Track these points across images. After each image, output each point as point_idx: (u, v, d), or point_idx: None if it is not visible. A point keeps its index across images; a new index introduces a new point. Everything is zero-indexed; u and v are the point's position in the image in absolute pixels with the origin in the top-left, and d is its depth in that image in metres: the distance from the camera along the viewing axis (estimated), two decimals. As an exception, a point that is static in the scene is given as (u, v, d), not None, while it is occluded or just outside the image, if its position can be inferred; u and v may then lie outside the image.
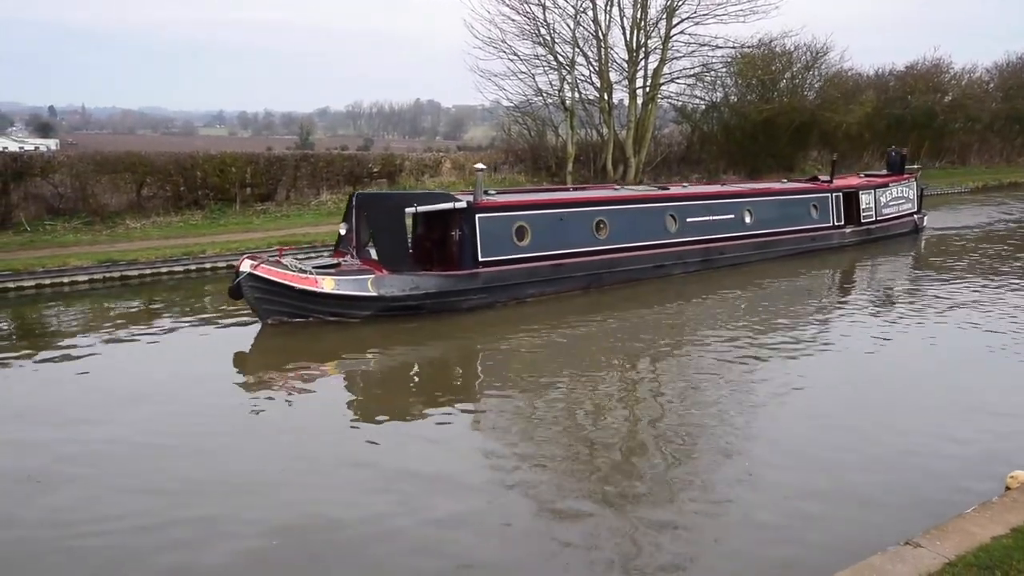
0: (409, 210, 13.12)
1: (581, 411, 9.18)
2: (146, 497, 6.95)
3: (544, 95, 30.31)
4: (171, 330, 12.45)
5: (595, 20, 28.98)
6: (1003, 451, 7.89)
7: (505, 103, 31.78)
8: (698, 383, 10.17)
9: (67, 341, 11.76)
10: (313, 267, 12.62)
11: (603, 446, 8.12)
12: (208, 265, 16.70)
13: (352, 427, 8.82)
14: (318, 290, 12.08)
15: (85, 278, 15.37)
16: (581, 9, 28.77)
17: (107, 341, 11.78)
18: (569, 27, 29.04)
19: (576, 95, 30.02)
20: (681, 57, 30.52)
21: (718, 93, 35.39)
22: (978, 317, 13.23)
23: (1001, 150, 46.77)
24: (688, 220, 16.85)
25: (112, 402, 9.37)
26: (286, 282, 11.95)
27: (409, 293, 12.70)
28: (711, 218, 17.39)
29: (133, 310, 13.98)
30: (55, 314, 13.78)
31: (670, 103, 34.33)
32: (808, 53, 35.99)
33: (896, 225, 22.25)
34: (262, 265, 11.91)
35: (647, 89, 30.54)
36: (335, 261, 13.30)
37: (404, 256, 13.07)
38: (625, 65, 30.13)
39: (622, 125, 31.14)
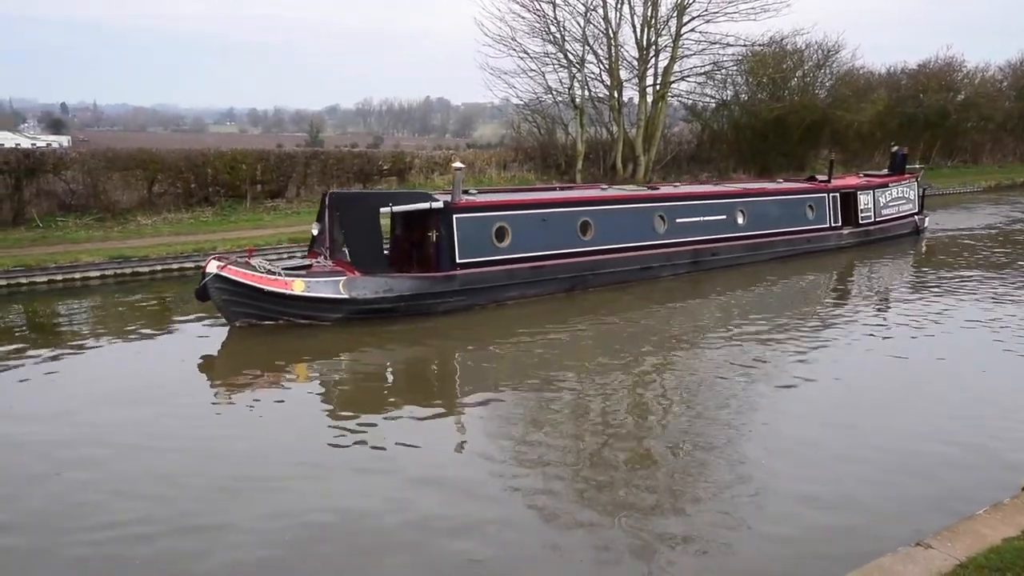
0: (384, 210, 12.90)
1: (559, 417, 8.89)
2: (125, 499, 6.91)
3: (554, 93, 30.31)
4: (177, 329, 12.48)
5: (605, 18, 28.95)
6: (1011, 450, 7.87)
7: (515, 101, 31.87)
8: (682, 388, 9.93)
9: (73, 338, 11.86)
10: (284, 268, 12.32)
11: (588, 451, 7.94)
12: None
13: (318, 433, 8.43)
14: (287, 292, 11.79)
15: (97, 274, 15.47)
16: (591, 7, 28.78)
17: (109, 337, 11.86)
18: (579, 25, 29.04)
19: (586, 93, 30.00)
20: (692, 55, 30.48)
21: (728, 91, 35.27)
22: (980, 320, 12.95)
23: (1014, 149, 46.46)
24: (677, 221, 16.44)
25: (95, 400, 9.32)
26: (254, 284, 11.67)
27: (382, 295, 12.40)
28: (702, 219, 16.95)
29: (143, 305, 14.03)
30: (65, 310, 13.86)
31: (680, 101, 34.30)
32: (819, 51, 35.82)
33: (896, 226, 21.75)
34: (229, 266, 11.66)
35: (657, 87, 30.48)
36: (308, 262, 13.01)
37: (378, 257, 12.79)
38: (635, 63, 30.09)
39: (632, 123, 31.10)
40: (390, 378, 10.74)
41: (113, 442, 8.08)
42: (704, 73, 31.80)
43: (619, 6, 28.99)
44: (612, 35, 29.19)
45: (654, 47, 29.75)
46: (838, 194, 20.00)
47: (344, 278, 12.22)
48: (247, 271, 11.71)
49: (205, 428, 8.60)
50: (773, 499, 6.95)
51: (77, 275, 15.30)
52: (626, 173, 30.12)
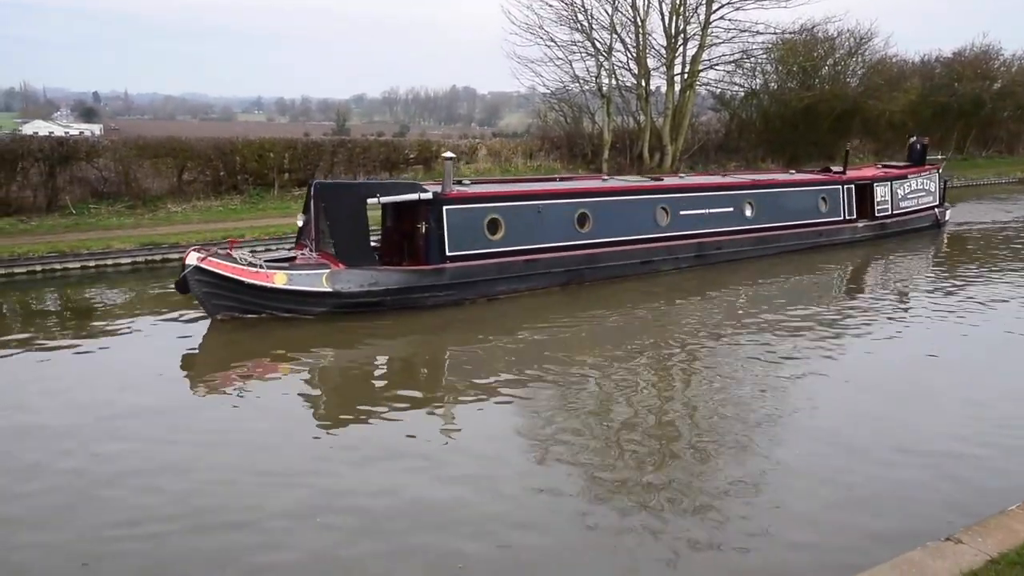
0: (372, 201, 12.50)
1: (547, 417, 8.62)
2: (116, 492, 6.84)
3: (581, 81, 30.14)
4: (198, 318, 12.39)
5: (633, 6, 28.71)
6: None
7: (542, 90, 31.73)
8: (681, 387, 9.69)
9: (101, 323, 12.03)
10: (268, 260, 12.02)
11: (591, 447, 7.80)
12: (247, 249, 16.91)
13: (302, 433, 8.22)
14: (269, 285, 11.49)
15: (128, 260, 15.71)
16: (619, -6, 28.48)
17: (133, 324, 11.98)
18: (607, 13, 28.83)
19: (613, 82, 29.81)
20: (720, 43, 30.12)
21: (757, 80, 34.86)
22: (1002, 317, 12.64)
23: (1051, 139, 45.49)
24: (681, 213, 15.92)
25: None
26: (235, 276, 11.36)
27: (367, 289, 12.07)
28: (707, 211, 16.41)
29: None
30: (96, 295, 14.09)
31: (708, 90, 33.98)
32: (852, 39, 35.29)
33: (915, 219, 21.01)
34: (209, 258, 11.33)
35: (685, 76, 30.18)
36: (292, 254, 12.74)
37: (363, 250, 12.42)
38: (663, 51, 29.83)
39: (659, 112, 30.85)
40: (373, 374, 10.46)
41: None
42: (733, 61, 31.48)
43: (647, -7, 28.70)
44: (640, 23, 28.96)
45: (682, 35, 29.46)
46: (853, 186, 19.36)
47: (328, 271, 11.91)
48: (228, 263, 11.41)
49: (184, 422, 8.41)
50: (795, 496, 6.89)
51: (109, 261, 15.55)
52: (653, 162, 29.91)
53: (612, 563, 5.89)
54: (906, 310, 13.40)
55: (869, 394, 9.28)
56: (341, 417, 8.71)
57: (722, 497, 6.80)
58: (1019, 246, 19.48)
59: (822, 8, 74.13)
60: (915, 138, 23.12)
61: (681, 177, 18.35)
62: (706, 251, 16.34)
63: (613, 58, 29.43)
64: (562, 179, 17.27)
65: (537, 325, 12.05)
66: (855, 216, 19.32)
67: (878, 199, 19.96)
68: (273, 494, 6.81)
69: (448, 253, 12.82)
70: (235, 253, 11.78)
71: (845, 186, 19.15)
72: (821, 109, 33.67)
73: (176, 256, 16.09)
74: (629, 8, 28.76)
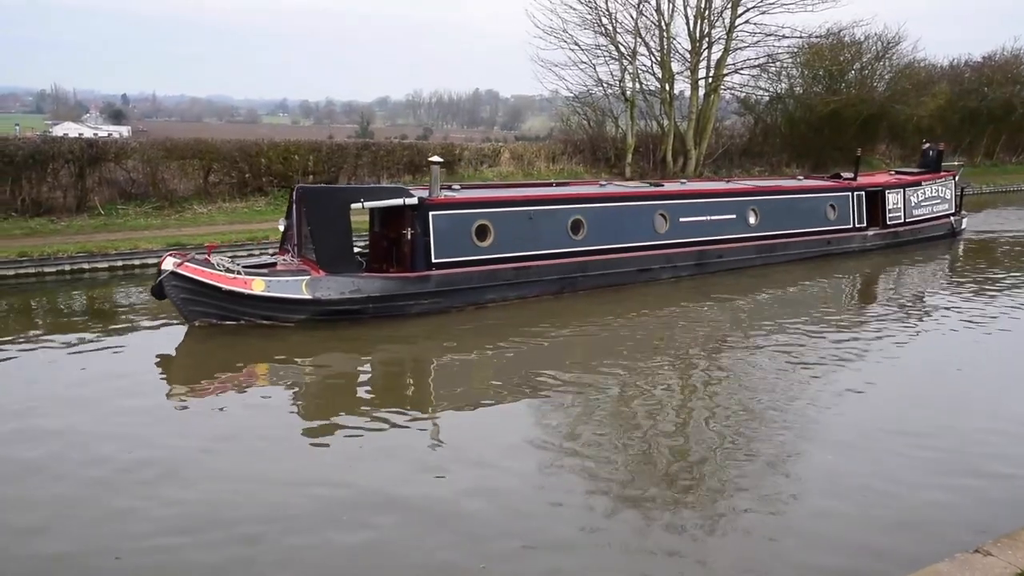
0: (355, 205, 12.25)
1: (537, 431, 8.31)
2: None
3: (605, 85, 30.09)
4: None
5: (658, 9, 28.61)
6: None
7: (565, 93, 31.73)
8: (681, 398, 9.38)
9: (125, 323, 12.17)
10: (248, 266, 11.80)
11: (580, 463, 7.49)
12: (271, 251, 17.06)
13: (279, 442, 7.99)
14: (247, 291, 11.22)
15: (155, 261, 15.81)
16: (644, -2, 28.43)
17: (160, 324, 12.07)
18: (631, 16, 28.74)
19: (637, 85, 29.70)
20: (746, 47, 29.91)
21: (783, 84, 34.62)
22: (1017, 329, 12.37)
23: (1083, 145, 44.69)
24: (681, 220, 15.47)
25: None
26: (212, 282, 11.11)
27: (348, 296, 11.75)
28: (708, 218, 15.92)
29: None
30: (123, 295, 14.28)
31: (733, 94, 33.72)
32: (879, 43, 34.96)
33: (929, 228, 20.35)
34: (186, 263, 11.12)
35: (709, 80, 30.03)
36: (273, 260, 12.51)
37: (345, 256, 12.07)
38: (687, 55, 29.68)
39: (683, 116, 30.72)
40: (355, 383, 10.15)
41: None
42: (758, 66, 31.22)
43: (672, -3, 28.63)
44: (664, 27, 28.86)
45: (707, 39, 29.32)
46: (863, 193, 18.75)
47: (307, 278, 11.63)
48: (205, 269, 11.18)
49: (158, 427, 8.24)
50: (816, 513, 6.81)
51: (136, 261, 15.75)
52: (676, 167, 29.79)
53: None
54: (919, 320, 13.05)
55: (889, 406, 9.07)
56: (324, 427, 8.40)
57: (739, 514, 6.73)
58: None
59: (849, 12, 73.59)
60: (929, 144, 22.52)
61: (682, 183, 17.89)
62: (707, 259, 15.93)
63: (637, 62, 29.36)
64: (558, 184, 16.97)
65: (526, 334, 11.66)
66: (865, 224, 18.77)
67: (890, 207, 19.36)
68: (262, 503, 6.63)
69: (434, 260, 12.49)
70: (213, 259, 11.51)
71: (855, 193, 18.61)
72: (847, 114, 33.35)
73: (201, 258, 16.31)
74: (654, 12, 28.70)
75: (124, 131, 61.90)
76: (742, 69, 31.01)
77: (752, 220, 16.65)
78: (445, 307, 12.62)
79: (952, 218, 21.15)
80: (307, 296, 11.53)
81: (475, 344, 11.31)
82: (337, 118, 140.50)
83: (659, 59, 29.39)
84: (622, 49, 28.95)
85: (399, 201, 12.46)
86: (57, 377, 9.70)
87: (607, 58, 29.39)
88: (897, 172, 22.25)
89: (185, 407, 8.95)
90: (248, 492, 6.83)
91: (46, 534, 6.19)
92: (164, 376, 10.00)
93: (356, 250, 13.02)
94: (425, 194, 12.74)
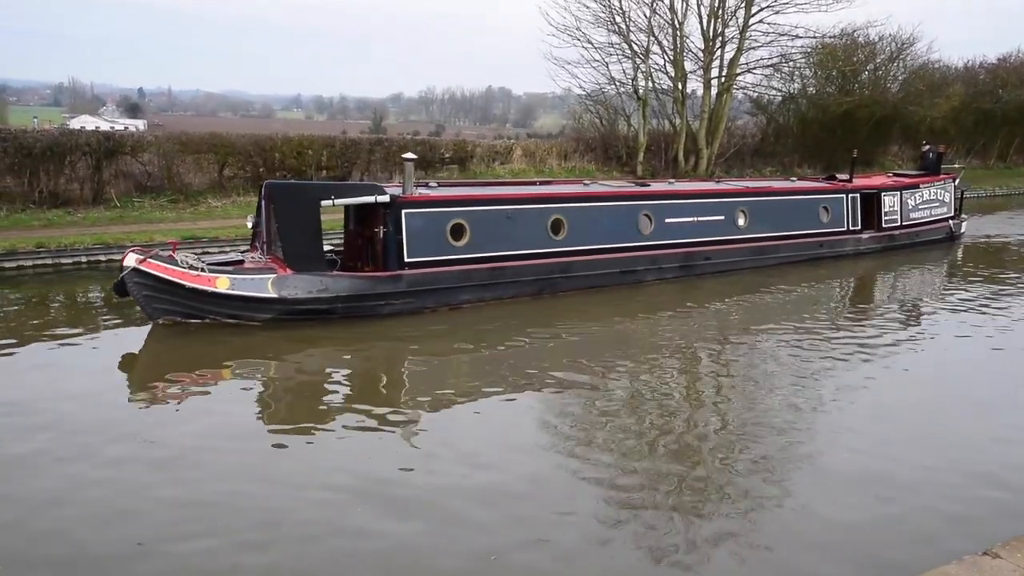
0: (326, 203, 11.81)
1: (512, 431, 8.05)
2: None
3: (617, 84, 30.10)
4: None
5: (671, 8, 28.55)
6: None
7: (577, 91, 31.75)
8: (656, 400, 9.00)
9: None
10: (214, 263, 11.49)
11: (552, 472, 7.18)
12: (192, 251, 16.88)
13: (244, 446, 7.67)
14: (210, 289, 10.92)
15: (216, 250, 15.90)
16: (658, -3, 28.38)
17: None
18: (645, 15, 28.70)
19: (650, 84, 29.65)
20: (759, 47, 29.85)
21: (795, 84, 34.43)
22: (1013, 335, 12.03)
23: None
24: (667, 221, 15.01)
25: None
26: (175, 279, 10.81)
27: (316, 295, 11.38)
28: (695, 219, 15.46)
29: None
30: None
31: (745, 94, 33.62)
32: (893, 44, 34.73)
33: (926, 231, 19.86)
34: (149, 260, 10.81)
35: (722, 79, 29.96)
36: (241, 257, 12.24)
37: (313, 254, 11.67)
38: (700, 54, 29.60)
39: (695, 115, 30.64)
40: (316, 386, 9.69)
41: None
42: (771, 65, 31.14)
43: (686, -4, 28.56)
44: (678, 26, 28.79)
45: (720, 38, 29.24)
46: (858, 195, 18.29)
47: (273, 276, 11.26)
48: (168, 266, 10.88)
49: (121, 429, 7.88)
50: (831, 502, 6.79)
51: (199, 250, 15.79)
52: (688, 166, 29.73)
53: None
54: (913, 323, 12.74)
55: (889, 410, 8.95)
56: (285, 429, 8.12)
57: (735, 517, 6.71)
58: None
59: (863, 12, 73.00)
60: (929, 146, 22.02)
61: (670, 183, 17.42)
62: (693, 261, 15.45)
63: (650, 61, 29.30)
64: (542, 183, 16.63)
65: (501, 336, 11.27)
66: (860, 227, 18.32)
67: (886, 209, 18.86)
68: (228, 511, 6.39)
69: (406, 259, 12.10)
70: (178, 255, 11.22)
71: (850, 195, 18.13)
72: (860, 115, 33.15)
73: (215, 250, 16.37)
74: (667, 11, 28.64)
75: (140, 125, 62.16)
76: (755, 69, 30.97)
77: (741, 222, 16.21)
78: (418, 307, 12.24)
79: (951, 221, 20.70)
80: (273, 295, 11.19)
81: (447, 345, 10.90)
82: (350, 114, 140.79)
83: (672, 58, 29.32)
84: (635, 47, 28.93)
85: (371, 199, 12.09)
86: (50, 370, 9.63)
87: (620, 56, 29.39)
88: (895, 174, 21.84)
89: (140, 407, 8.63)
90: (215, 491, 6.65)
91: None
92: (125, 375, 9.69)
93: (329, 248, 12.76)
94: (398, 191, 12.39)
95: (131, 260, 10.79)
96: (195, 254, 11.93)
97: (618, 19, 28.46)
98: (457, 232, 12.63)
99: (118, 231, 16.81)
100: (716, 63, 29.67)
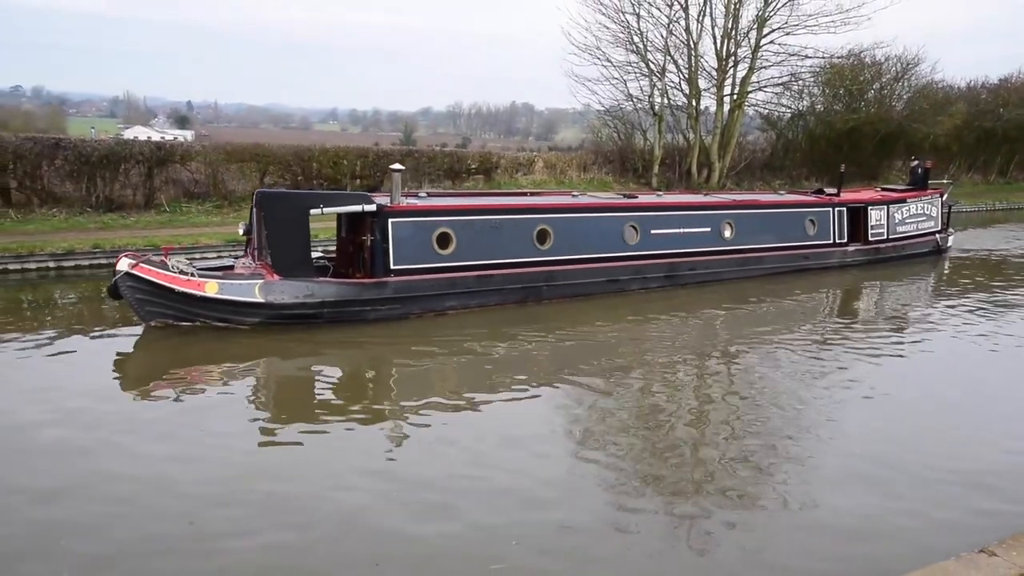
0: (315, 211, 11.64)
1: (493, 435, 7.80)
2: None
3: (634, 100, 30.06)
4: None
5: (687, 29, 28.48)
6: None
7: (596, 107, 31.71)
8: (651, 407, 8.74)
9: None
10: (205, 268, 11.40)
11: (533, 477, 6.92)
12: (320, 250, 17.23)
13: (234, 448, 7.46)
14: (199, 294, 10.81)
15: (214, 255, 16.16)
16: (674, 19, 28.40)
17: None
18: (662, 36, 28.69)
19: (665, 101, 29.61)
20: (770, 66, 29.69)
21: (804, 102, 34.17)
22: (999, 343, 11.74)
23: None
24: (652, 232, 14.69)
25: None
26: (166, 283, 10.75)
27: (302, 301, 11.24)
28: (681, 231, 15.14)
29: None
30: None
31: (756, 111, 33.46)
32: (898, 64, 34.40)
33: (913, 244, 19.35)
34: (141, 264, 10.75)
35: (734, 97, 29.82)
36: (231, 263, 12.21)
37: (301, 261, 11.52)
38: (714, 73, 29.49)
39: (708, 131, 30.52)
40: (302, 388, 9.51)
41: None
42: (781, 84, 30.96)
43: (700, 18, 28.52)
44: (693, 46, 28.71)
45: (733, 58, 29.11)
46: (845, 208, 17.82)
47: (261, 281, 11.13)
48: (159, 270, 10.82)
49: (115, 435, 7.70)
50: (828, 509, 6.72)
51: (197, 255, 16.03)
52: (701, 178, 29.62)
53: None
54: (897, 332, 12.42)
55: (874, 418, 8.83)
56: (270, 429, 7.97)
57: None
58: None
59: (871, 34, 72.20)
60: (917, 161, 21.45)
61: (658, 195, 17.22)
62: (678, 271, 15.10)
63: (666, 79, 29.26)
64: (533, 194, 16.43)
65: (485, 342, 11.03)
66: (846, 240, 17.84)
67: (872, 223, 18.39)
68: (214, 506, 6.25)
69: (392, 266, 11.95)
70: (169, 260, 11.12)
71: (836, 209, 17.66)
72: (866, 131, 32.86)
73: (213, 255, 16.39)
74: (683, 32, 28.59)
75: (188, 135, 62.88)
76: (766, 87, 30.80)
77: (727, 233, 15.82)
78: (403, 313, 12.05)
79: (938, 235, 20.13)
80: (260, 300, 11.05)
81: (430, 351, 10.64)
82: (383, 126, 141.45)
83: (687, 76, 29.24)
84: (652, 66, 28.88)
85: (358, 208, 11.96)
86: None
87: (638, 74, 29.38)
88: (883, 189, 21.28)
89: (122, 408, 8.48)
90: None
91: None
92: (118, 376, 9.60)
93: (318, 255, 12.72)
94: (386, 201, 12.25)
95: (124, 264, 10.72)
96: (187, 259, 11.78)
97: (636, 39, 28.49)
98: (443, 241, 12.44)
99: (167, 234, 17.06)
100: (729, 81, 29.57)
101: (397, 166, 12.63)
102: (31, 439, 7.48)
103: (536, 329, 11.75)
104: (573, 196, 15.85)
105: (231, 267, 11.87)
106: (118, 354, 10.25)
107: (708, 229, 15.62)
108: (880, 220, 18.64)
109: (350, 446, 7.68)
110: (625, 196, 16.19)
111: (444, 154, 26.66)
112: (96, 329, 11.32)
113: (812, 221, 17.27)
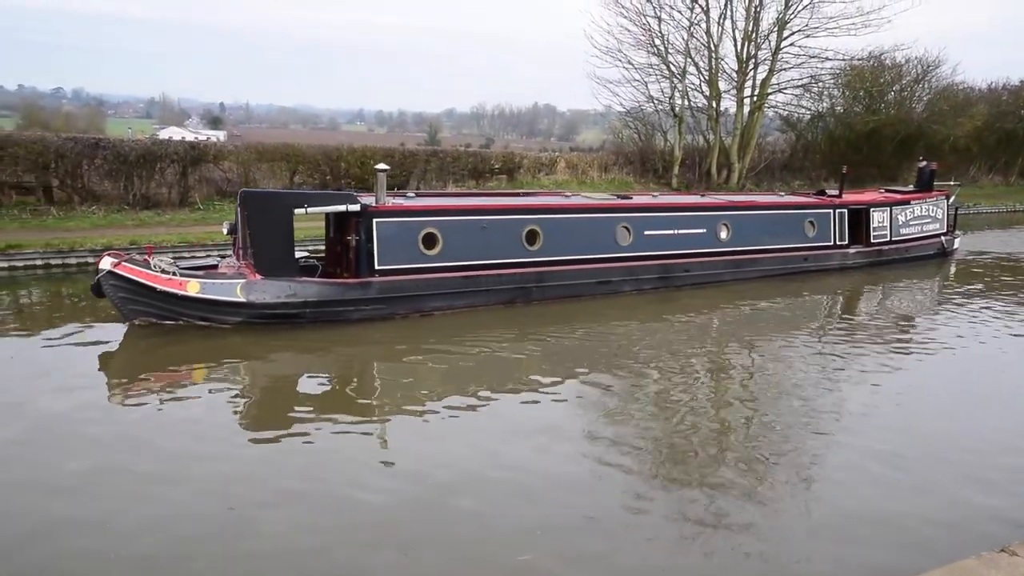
0: (299, 211, 11.34)
1: (470, 439, 7.63)
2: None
3: (655, 102, 29.94)
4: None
5: (708, 32, 28.28)
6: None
7: (618, 108, 31.63)
8: (639, 409, 8.46)
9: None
10: (187, 268, 11.22)
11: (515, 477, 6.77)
12: (168, 256, 16.81)
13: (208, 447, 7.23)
14: (180, 293, 10.60)
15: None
16: (695, 22, 28.24)
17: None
18: (683, 39, 28.51)
19: (686, 102, 29.41)
20: (790, 68, 29.39)
21: (824, 103, 33.80)
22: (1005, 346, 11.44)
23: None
24: (646, 233, 14.29)
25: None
26: (147, 282, 10.53)
27: (284, 300, 10.97)
28: (676, 232, 14.71)
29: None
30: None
31: (776, 112, 33.11)
32: (919, 66, 33.89)
33: (917, 247, 18.73)
34: (123, 263, 10.57)
35: (754, 98, 29.55)
36: (215, 262, 11.99)
37: (284, 261, 11.24)
38: (734, 75, 29.25)
39: (728, 132, 30.28)
40: (284, 388, 9.24)
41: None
42: (801, 86, 30.64)
43: (721, 21, 28.32)
44: (713, 48, 28.49)
45: (753, 60, 28.86)
46: (846, 210, 17.26)
47: (242, 281, 10.88)
48: (141, 269, 10.62)
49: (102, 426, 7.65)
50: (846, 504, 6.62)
51: (228, 252, 16.18)
52: (720, 179, 29.40)
53: None
54: (899, 343, 11.75)
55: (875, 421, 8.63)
56: (252, 426, 7.85)
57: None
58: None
59: (892, 36, 71.12)
60: (925, 162, 20.69)
61: (654, 196, 16.79)
62: (672, 273, 14.64)
63: (686, 80, 29.07)
64: (525, 194, 16.10)
65: (470, 343, 10.78)
66: (847, 242, 17.26)
67: (875, 225, 17.83)
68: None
69: (377, 266, 11.67)
70: (152, 259, 10.94)
71: (837, 210, 17.13)
72: (885, 133, 32.42)
73: (203, 255, 16.39)
74: (704, 34, 28.39)
75: (221, 135, 63.47)
76: (786, 89, 30.52)
77: (723, 235, 15.36)
78: (388, 314, 11.73)
79: (943, 238, 19.50)
80: (241, 299, 10.80)
81: (413, 349, 10.45)
82: (408, 127, 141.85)
83: (707, 78, 29.03)
84: (673, 68, 28.73)
85: (342, 207, 11.68)
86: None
87: (658, 76, 29.25)
88: (887, 190, 20.62)
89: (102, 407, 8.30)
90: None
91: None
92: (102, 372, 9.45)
93: (304, 255, 12.56)
94: (372, 201, 12.00)
95: (106, 263, 10.55)
96: (170, 258, 11.47)
97: (657, 42, 28.33)
98: (429, 241, 12.16)
99: (200, 231, 17.25)
100: (749, 83, 29.30)
101: (382, 166, 12.38)
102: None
103: (522, 330, 11.45)
104: (566, 197, 15.51)
105: (215, 266, 11.67)
106: (103, 352, 10.07)
107: (703, 230, 15.19)
108: (883, 222, 18.12)
109: (345, 443, 7.51)
110: (619, 197, 15.79)
111: (468, 154, 26.69)
112: (100, 324, 11.17)
113: (812, 223, 16.80)
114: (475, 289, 12.50)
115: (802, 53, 28.67)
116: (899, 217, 18.49)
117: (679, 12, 28.13)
